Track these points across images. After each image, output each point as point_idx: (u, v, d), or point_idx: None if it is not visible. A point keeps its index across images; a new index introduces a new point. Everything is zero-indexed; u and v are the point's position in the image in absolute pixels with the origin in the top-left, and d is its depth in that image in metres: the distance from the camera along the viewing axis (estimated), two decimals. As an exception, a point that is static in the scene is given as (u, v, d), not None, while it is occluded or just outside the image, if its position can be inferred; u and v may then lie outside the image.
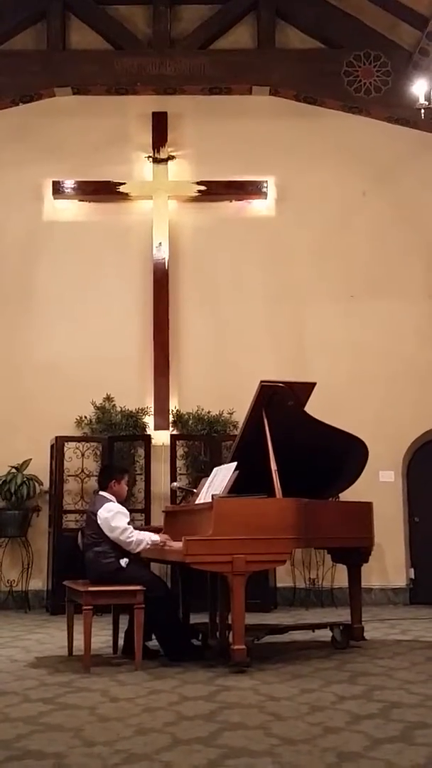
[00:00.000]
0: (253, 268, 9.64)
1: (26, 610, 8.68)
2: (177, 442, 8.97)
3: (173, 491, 8.38)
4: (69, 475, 8.86)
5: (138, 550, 5.71)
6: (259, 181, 9.72)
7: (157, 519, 7.89)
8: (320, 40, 9.92)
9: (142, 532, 5.80)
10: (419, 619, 7.80)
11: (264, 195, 9.73)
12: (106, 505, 5.77)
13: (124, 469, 6.44)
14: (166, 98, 9.86)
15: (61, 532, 8.58)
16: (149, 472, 8.77)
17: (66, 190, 9.70)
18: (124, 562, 5.67)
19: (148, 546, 5.70)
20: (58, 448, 8.80)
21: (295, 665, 5.45)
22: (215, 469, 6.04)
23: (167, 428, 9.16)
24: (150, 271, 9.55)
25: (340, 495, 6.88)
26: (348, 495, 6.71)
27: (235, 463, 5.65)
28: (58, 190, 9.68)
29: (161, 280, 9.51)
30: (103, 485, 6.04)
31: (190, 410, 9.19)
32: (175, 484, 7.92)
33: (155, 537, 5.75)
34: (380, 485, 8.85)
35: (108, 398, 9.22)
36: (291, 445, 5.69)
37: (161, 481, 8.82)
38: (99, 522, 5.71)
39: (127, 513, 5.86)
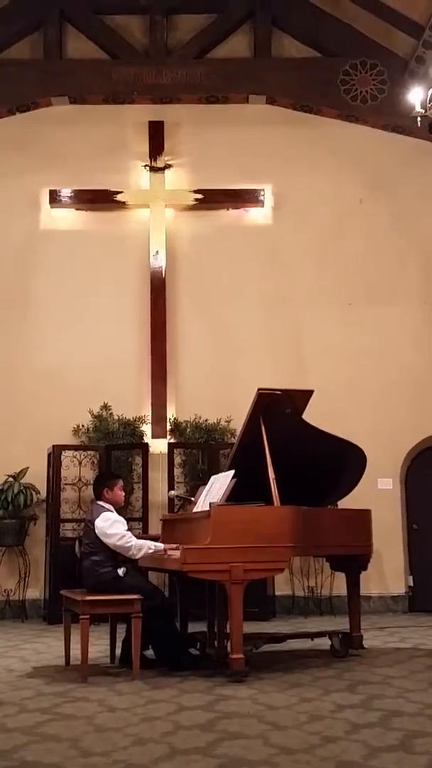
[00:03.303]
0: (250, 276, 9.64)
1: (23, 620, 8.64)
2: (174, 450, 8.95)
3: (171, 500, 8.36)
4: (66, 484, 8.84)
5: (139, 555, 5.68)
6: (256, 190, 9.74)
7: (155, 528, 7.87)
8: (316, 49, 9.96)
9: (142, 539, 5.78)
10: (418, 626, 7.78)
11: (261, 203, 9.75)
12: (103, 515, 5.75)
13: (116, 475, 6.39)
14: (163, 107, 9.89)
15: (59, 541, 8.55)
16: (147, 480, 8.76)
17: (63, 199, 9.71)
18: (121, 571, 5.65)
19: (150, 551, 5.67)
20: (55, 456, 8.78)
21: (294, 674, 5.42)
22: (213, 477, 6.03)
23: (165, 436, 9.15)
24: (147, 279, 9.56)
25: (338, 502, 6.87)
26: (346, 502, 6.69)
27: (232, 471, 5.64)
28: (55, 198, 9.69)
29: (158, 288, 9.52)
30: (98, 494, 6.02)
31: (187, 418, 9.18)
32: (172, 492, 7.89)
33: (159, 544, 5.72)
34: (379, 493, 8.82)
35: (105, 406, 9.20)
36: (289, 452, 5.68)
37: (159, 490, 8.81)
38: (96, 531, 5.69)
39: (124, 522, 5.83)
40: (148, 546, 5.66)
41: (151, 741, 3.85)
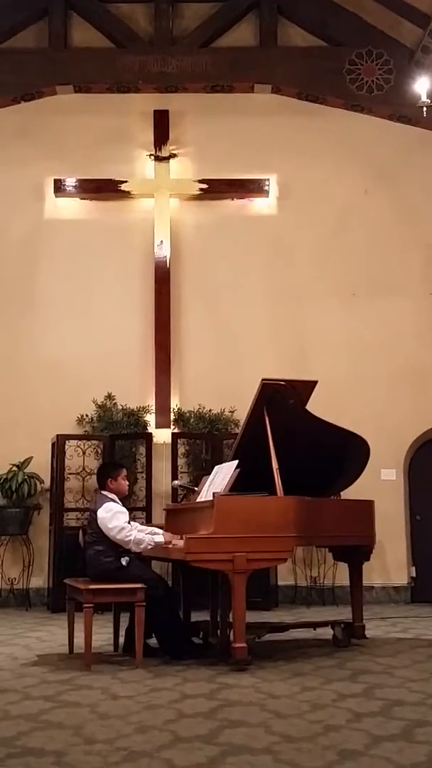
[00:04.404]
0: (255, 266, 9.63)
1: (27, 608, 8.68)
2: (178, 440, 8.96)
3: (174, 489, 8.37)
4: (70, 473, 8.85)
5: (138, 550, 5.69)
6: (260, 179, 9.71)
7: (159, 517, 7.89)
8: (322, 38, 9.91)
9: (143, 533, 5.76)
10: (420, 617, 7.79)
11: (266, 193, 9.72)
12: (106, 505, 5.76)
13: (119, 465, 6.40)
14: (168, 96, 9.85)
15: (62, 530, 8.57)
16: (150, 470, 8.77)
17: (68, 188, 9.69)
18: (124, 560, 5.66)
19: (150, 546, 5.68)
20: (59, 446, 8.79)
21: (296, 663, 5.44)
22: (216, 468, 6.04)
23: (168, 426, 9.16)
24: (151, 269, 9.54)
25: (341, 493, 6.87)
26: (349, 493, 6.70)
27: (236, 461, 5.65)
28: (59, 188, 9.67)
29: (162, 278, 9.50)
30: (102, 484, 6.03)
31: (191, 408, 9.19)
32: (176, 482, 7.91)
33: (159, 538, 5.71)
34: (382, 483, 8.84)
35: (109, 396, 9.21)
36: (292, 443, 5.69)
37: (162, 480, 8.82)
38: (98, 521, 5.70)
39: (126, 512, 5.83)
40: (148, 542, 5.65)
41: (153, 728, 3.87)
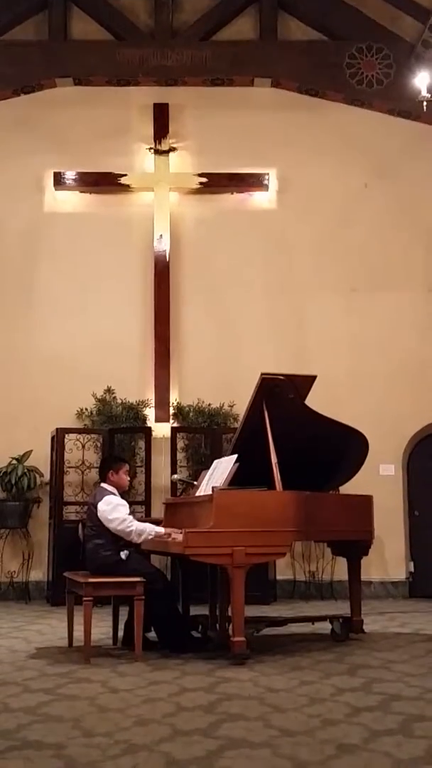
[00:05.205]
0: (254, 261, 9.62)
1: (27, 601, 8.70)
2: (177, 434, 8.97)
3: (174, 483, 8.38)
4: (69, 467, 8.87)
5: (140, 540, 5.70)
6: (260, 174, 9.70)
7: (158, 511, 7.90)
8: (323, 32, 9.89)
9: (144, 524, 5.79)
10: (418, 612, 7.82)
11: (265, 187, 9.71)
12: (106, 498, 5.77)
13: (121, 459, 6.41)
14: (168, 89, 9.83)
15: (62, 524, 8.59)
16: (150, 464, 8.78)
17: (67, 182, 9.68)
18: (124, 554, 5.68)
19: (151, 537, 5.68)
20: (58, 439, 8.80)
21: (295, 657, 5.46)
22: (216, 462, 6.04)
23: (168, 420, 9.17)
24: (151, 263, 9.54)
25: (340, 488, 6.89)
26: (348, 488, 6.71)
27: (235, 456, 5.65)
28: (59, 181, 9.66)
29: (162, 272, 9.50)
30: (103, 476, 6.05)
31: (190, 402, 9.19)
32: (175, 476, 7.93)
33: (160, 529, 5.73)
34: (380, 478, 8.86)
35: (109, 390, 9.21)
36: (291, 437, 5.69)
37: (162, 474, 8.84)
38: (98, 514, 5.72)
39: (127, 505, 5.85)
40: (149, 532, 5.67)
41: (153, 722, 3.88)
